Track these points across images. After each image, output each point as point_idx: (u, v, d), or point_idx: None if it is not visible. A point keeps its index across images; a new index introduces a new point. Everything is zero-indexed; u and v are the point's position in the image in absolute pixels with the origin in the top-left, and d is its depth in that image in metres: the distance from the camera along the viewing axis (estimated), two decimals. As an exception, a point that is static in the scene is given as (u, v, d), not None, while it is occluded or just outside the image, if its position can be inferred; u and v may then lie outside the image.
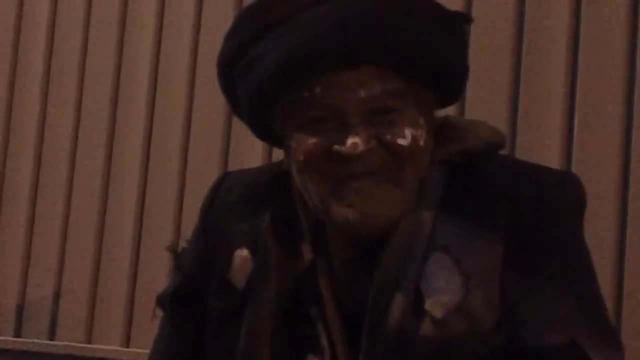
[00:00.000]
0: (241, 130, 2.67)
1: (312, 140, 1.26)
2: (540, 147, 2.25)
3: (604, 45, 2.22)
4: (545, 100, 2.27)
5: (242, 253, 1.36)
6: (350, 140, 1.24)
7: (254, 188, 1.41)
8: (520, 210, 1.26)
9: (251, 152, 2.67)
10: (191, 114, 2.81)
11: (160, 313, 1.47)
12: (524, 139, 2.28)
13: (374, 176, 1.26)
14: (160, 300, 1.47)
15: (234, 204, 1.41)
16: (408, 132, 1.26)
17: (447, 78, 1.32)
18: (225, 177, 1.47)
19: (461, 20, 1.33)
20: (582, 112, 2.23)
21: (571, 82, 2.25)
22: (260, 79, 1.27)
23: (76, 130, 2.99)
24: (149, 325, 2.73)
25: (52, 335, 2.95)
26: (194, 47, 2.83)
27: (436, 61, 1.28)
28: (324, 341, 1.30)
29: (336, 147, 1.25)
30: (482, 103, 2.27)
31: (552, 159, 2.21)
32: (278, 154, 2.58)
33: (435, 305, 1.24)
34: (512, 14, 2.33)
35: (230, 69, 1.32)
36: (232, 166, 2.69)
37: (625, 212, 2.14)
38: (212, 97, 2.76)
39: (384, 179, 1.26)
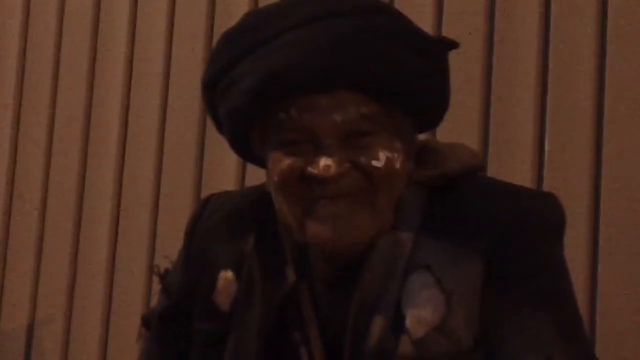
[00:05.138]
0: (214, 153, 2.69)
1: (287, 162, 1.27)
2: (511, 164, 2.27)
3: (573, 63, 2.23)
4: (516, 118, 2.28)
5: (227, 275, 1.37)
6: (323, 162, 1.25)
7: (238, 210, 1.42)
8: (500, 231, 1.27)
9: (224, 175, 2.67)
10: (164, 137, 2.81)
11: (144, 333, 1.48)
12: (495, 155, 2.30)
13: (347, 198, 1.26)
14: (147, 320, 1.47)
15: (218, 225, 1.42)
16: (383, 155, 1.26)
17: (425, 105, 1.33)
18: (209, 199, 1.48)
19: (444, 47, 1.34)
20: (553, 130, 2.25)
21: (541, 100, 2.27)
22: (238, 100, 1.29)
23: (47, 162, 3.00)
24: (124, 355, 2.74)
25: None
26: (166, 72, 2.83)
27: (413, 88, 1.29)
28: None
29: (309, 169, 1.26)
30: (453, 122, 2.29)
31: (523, 173, 2.24)
32: (251, 177, 2.62)
33: (416, 324, 1.25)
34: (482, 34, 2.35)
35: (213, 89, 1.33)
36: (205, 189, 2.69)
37: (597, 228, 2.17)
38: (184, 120, 2.76)
39: (357, 201, 1.27)
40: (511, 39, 2.33)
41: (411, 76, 1.28)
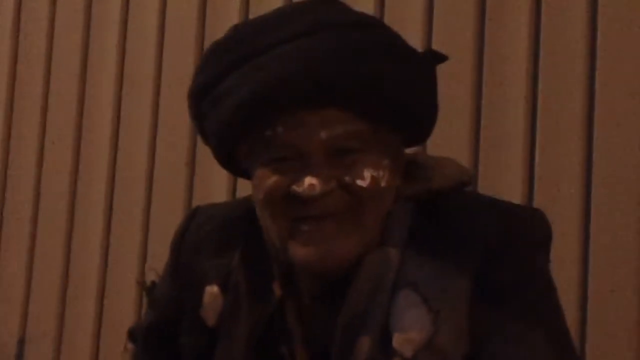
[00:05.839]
0: (205, 164, 2.69)
1: (273, 179, 1.26)
2: (501, 180, 2.27)
3: (563, 72, 2.24)
4: (506, 128, 2.29)
5: (213, 289, 1.36)
6: (307, 181, 1.23)
7: (225, 223, 1.41)
8: (488, 246, 1.26)
9: (215, 186, 2.67)
10: (155, 148, 2.81)
11: (130, 347, 1.47)
12: (485, 168, 2.30)
13: (332, 218, 1.25)
14: (133, 334, 1.46)
15: (205, 239, 1.41)
16: (368, 174, 1.25)
17: (413, 121, 1.31)
18: (196, 212, 1.47)
19: (432, 61, 1.33)
20: (543, 140, 2.26)
21: (532, 109, 2.27)
22: (224, 115, 1.27)
23: (38, 177, 2.99)
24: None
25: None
26: (157, 81, 2.83)
27: (401, 106, 1.28)
28: None
29: (294, 187, 1.24)
30: (443, 132, 2.29)
31: (514, 189, 2.24)
32: (242, 188, 2.61)
33: (404, 344, 1.24)
34: (472, 42, 2.36)
35: (200, 101, 1.31)
36: (197, 201, 2.69)
37: (588, 240, 2.17)
38: (175, 131, 2.76)
39: (342, 220, 1.25)
40: (500, 51, 2.34)
41: (399, 93, 1.27)
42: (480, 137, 2.34)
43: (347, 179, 1.25)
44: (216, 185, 2.67)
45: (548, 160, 2.25)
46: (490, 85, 2.34)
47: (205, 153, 2.73)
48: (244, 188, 2.52)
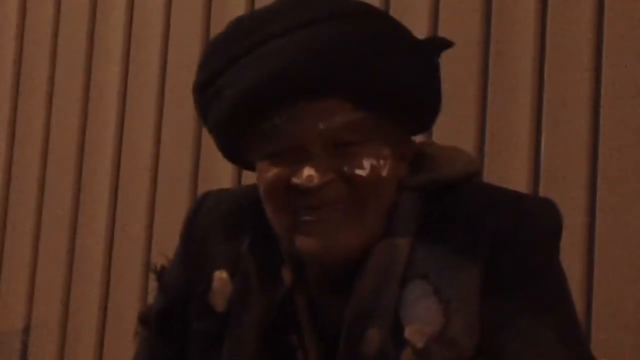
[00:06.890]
0: (211, 149, 2.69)
1: (273, 172, 1.27)
2: (507, 168, 2.27)
3: (570, 63, 2.24)
4: (512, 119, 2.28)
5: (222, 275, 1.37)
6: (306, 173, 1.23)
7: (235, 209, 1.41)
8: (498, 237, 1.26)
9: (221, 172, 2.67)
10: (160, 133, 2.81)
11: (141, 331, 1.47)
12: (491, 159, 2.30)
13: (332, 208, 1.25)
14: (144, 318, 1.46)
15: (214, 224, 1.41)
16: (367, 163, 1.25)
17: (414, 111, 1.31)
18: (205, 197, 1.46)
19: (435, 49, 1.32)
20: (549, 130, 2.26)
21: (538, 101, 2.28)
22: (222, 111, 1.27)
23: (43, 162, 2.99)
24: (120, 355, 2.73)
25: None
26: (162, 70, 2.83)
27: (402, 96, 1.27)
28: None
29: (294, 179, 1.25)
30: (449, 123, 2.29)
31: (519, 181, 2.24)
32: (248, 174, 2.62)
33: (416, 334, 1.25)
34: (479, 31, 2.36)
35: (202, 95, 1.32)
36: (202, 187, 2.69)
37: (593, 233, 2.18)
38: (180, 120, 2.77)
39: (343, 210, 1.25)
40: (507, 44, 2.34)
41: (399, 83, 1.26)
42: (486, 126, 2.34)
43: (346, 169, 1.25)
44: (221, 172, 2.67)
45: (554, 149, 2.25)
46: (496, 72, 2.34)
47: (211, 140, 2.74)
48: (250, 179, 2.53)
